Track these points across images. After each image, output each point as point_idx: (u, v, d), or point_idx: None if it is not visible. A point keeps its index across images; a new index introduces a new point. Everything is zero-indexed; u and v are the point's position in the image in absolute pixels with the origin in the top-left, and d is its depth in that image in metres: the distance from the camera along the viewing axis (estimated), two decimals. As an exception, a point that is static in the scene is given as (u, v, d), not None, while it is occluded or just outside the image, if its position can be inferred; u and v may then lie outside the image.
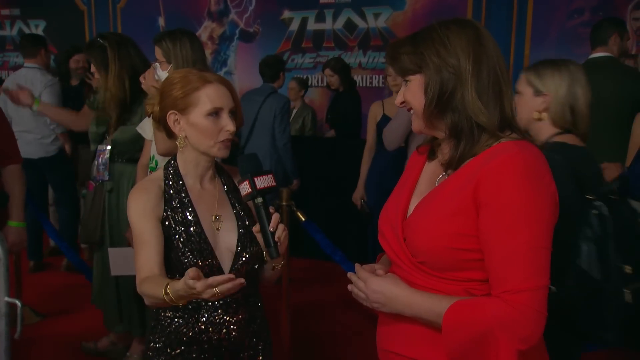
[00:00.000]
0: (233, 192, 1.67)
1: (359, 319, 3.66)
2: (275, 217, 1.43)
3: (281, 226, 1.44)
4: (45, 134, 4.42)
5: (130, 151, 2.91)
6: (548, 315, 1.15)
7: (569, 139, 1.85)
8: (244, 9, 6.03)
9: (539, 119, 1.87)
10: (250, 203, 1.48)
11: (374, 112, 3.72)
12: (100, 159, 2.99)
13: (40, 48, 4.49)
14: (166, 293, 1.31)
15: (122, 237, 2.89)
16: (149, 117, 1.65)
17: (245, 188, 1.41)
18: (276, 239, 1.42)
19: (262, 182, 1.39)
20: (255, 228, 1.45)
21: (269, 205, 1.45)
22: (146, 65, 2.89)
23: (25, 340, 3.24)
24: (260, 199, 1.40)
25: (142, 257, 1.49)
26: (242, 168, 1.45)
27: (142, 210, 1.53)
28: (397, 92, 3.54)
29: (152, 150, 2.66)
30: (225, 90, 1.56)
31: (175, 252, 1.53)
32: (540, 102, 1.85)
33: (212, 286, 1.21)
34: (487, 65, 1.22)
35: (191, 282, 1.21)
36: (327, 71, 5.12)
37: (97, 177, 3.01)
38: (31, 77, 4.33)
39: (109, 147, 2.96)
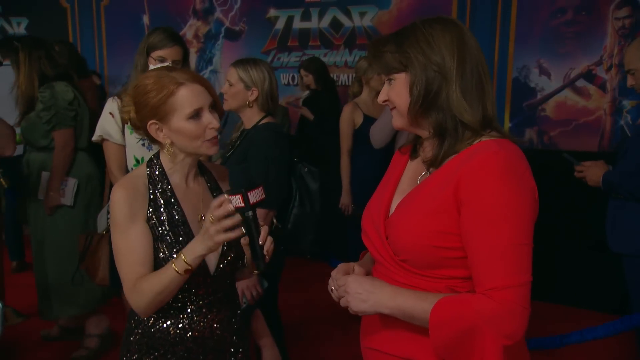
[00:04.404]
0: (217, 191, 1.65)
1: (344, 317, 3.66)
2: (264, 230, 1.42)
3: (269, 239, 1.43)
4: None
5: (33, 138, 3.10)
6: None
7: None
8: (230, 7, 6.00)
9: None
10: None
11: (351, 116, 3.68)
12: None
13: None
14: (178, 264, 1.39)
15: (43, 221, 3.16)
16: (126, 124, 1.59)
17: (237, 201, 1.38)
18: (265, 251, 1.42)
19: (254, 196, 1.37)
20: (244, 240, 1.43)
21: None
22: (58, 69, 3.10)
23: (7, 341, 3.21)
24: (250, 212, 1.38)
25: (127, 266, 1.47)
26: (235, 181, 1.43)
27: (128, 211, 1.48)
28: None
29: (142, 153, 2.59)
30: (200, 88, 1.52)
31: (161, 252, 1.50)
32: None
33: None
34: (471, 64, 1.23)
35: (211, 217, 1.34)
36: (302, 72, 5.11)
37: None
38: None
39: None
